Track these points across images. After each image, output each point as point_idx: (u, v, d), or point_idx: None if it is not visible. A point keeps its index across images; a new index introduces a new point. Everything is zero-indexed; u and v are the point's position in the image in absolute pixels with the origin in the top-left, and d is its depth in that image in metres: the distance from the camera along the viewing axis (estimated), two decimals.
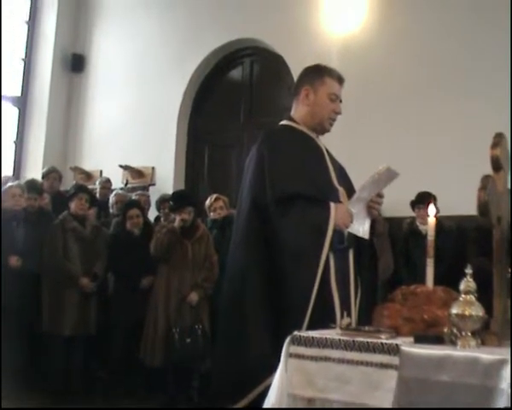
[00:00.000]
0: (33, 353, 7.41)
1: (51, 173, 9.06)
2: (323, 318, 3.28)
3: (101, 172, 10.72)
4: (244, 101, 10.37)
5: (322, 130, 3.92)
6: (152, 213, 9.09)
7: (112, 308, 7.60)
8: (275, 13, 9.53)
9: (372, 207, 3.75)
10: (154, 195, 9.38)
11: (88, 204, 7.77)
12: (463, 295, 2.52)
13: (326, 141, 4.02)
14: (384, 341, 2.51)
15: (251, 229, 3.59)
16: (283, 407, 2.61)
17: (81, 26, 11.79)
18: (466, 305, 2.49)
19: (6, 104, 11.31)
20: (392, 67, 8.62)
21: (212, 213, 8.03)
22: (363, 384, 2.47)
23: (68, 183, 10.08)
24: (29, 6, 11.78)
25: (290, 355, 2.66)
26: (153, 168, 10.53)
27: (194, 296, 7.13)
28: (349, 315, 3.46)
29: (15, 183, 7.90)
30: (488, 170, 2.73)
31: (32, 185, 7.92)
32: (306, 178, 3.60)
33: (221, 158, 10.36)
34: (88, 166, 11.09)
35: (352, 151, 8.04)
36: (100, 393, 7.46)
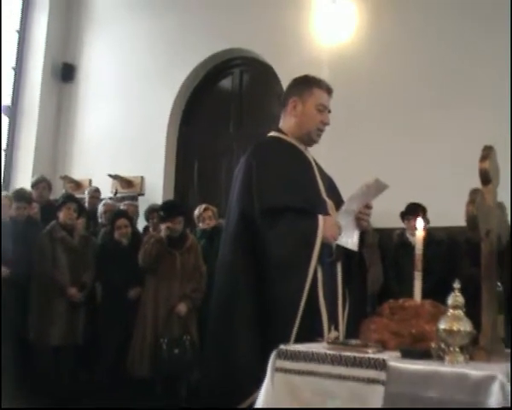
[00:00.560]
0: (22, 362, 7.34)
1: (40, 183, 9.00)
2: (311, 331, 3.26)
3: (90, 181, 10.68)
4: (234, 111, 10.36)
5: (310, 141, 3.90)
6: (141, 223, 9.06)
7: (100, 318, 7.55)
8: (264, 23, 9.53)
9: (361, 219, 3.72)
10: (144, 204, 9.34)
11: (76, 214, 7.74)
12: (451, 310, 2.49)
13: (315, 151, 4.00)
14: (371, 356, 2.49)
15: (239, 241, 3.56)
16: None
17: (71, 36, 11.77)
18: (454, 320, 2.46)
19: None
20: (382, 77, 8.63)
21: (201, 224, 8.02)
22: (349, 399, 2.45)
23: (58, 192, 10.05)
24: (19, 15, 11.75)
25: (276, 369, 2.64)
26: (142, 178, 10.51)
27: (182, 307, 7.10)
28: (336, 328, 3.44)
29: (3, 193, 7.87)
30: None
31: (20, 195, 7.88)
32: (294, 191, 3.58)
33: (211, 168, 10.34)
34: (77, 175, 11.06)
35: (342, 161, 8.04)
36: (88, 403, 7.40)
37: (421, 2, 8.50)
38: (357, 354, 2.50)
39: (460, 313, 2.49)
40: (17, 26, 11.71)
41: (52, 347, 7.24)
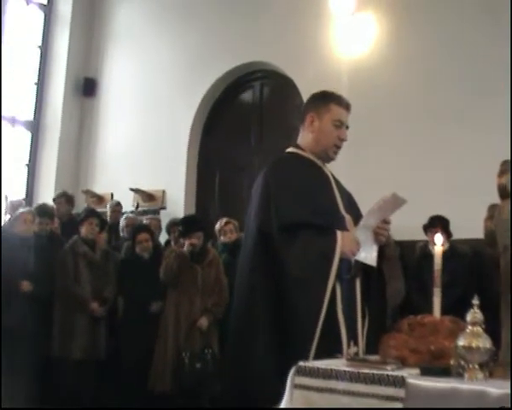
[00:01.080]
0: (44, 378, 7.38)
1: (58, 198, 9.10)
2: (330, 347, 3.24)
3: (112, 195, 10.71)
4: (254, 124, 10.36)
5: (327, 157, 3.90)
6: (163, 237, 9.08)
7: (121, 333, 7.56)
8: (284, 36, 9.54)
9: (379, 234, 3.69)
10: (165, 218, 9.36)
11: (98, 228, 7.78)
12: (470, 327, 2.47)
13: (333, 164, 4.00)
14: (390, 373, 2.46)
15: (257, 257, 3.56)
16: None
17: (93, 51, 11.86)
18: (473, 337, 2.44)
19: (19, 128, 11.38)
20: (401, 89, 8.59)
21: (222, 237, 8.02)
22: None
23: (80, 206, 10.11)
24: (41, 31, 11.86)
25: (295, 386, 2.63)
26: (163, 192, 10.52)
27: (204, 321, 7.10)
28: (356, 344, 3.42)
29: (27, 209, 7.91)
30: None
31: (43, 210, 7.92)
32: (312, 207, 3.57)
33: (232, 181, 10.34)
34: (99, 189, 11.10)
35: (361, 174, 8.02)
36: None
37: (440, 14, 8.45)
38: (375, 372, 2.48)
39: (479, 329, 2.46)
40: (39, 41, 11.82)
41: (74, 361, 7.25)
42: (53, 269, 7.45)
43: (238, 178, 10.19)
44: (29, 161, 11.56)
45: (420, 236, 7.60)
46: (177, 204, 10.31)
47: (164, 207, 10.45)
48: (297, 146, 3.93)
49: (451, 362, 2.50)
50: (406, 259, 7.81)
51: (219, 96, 10.63)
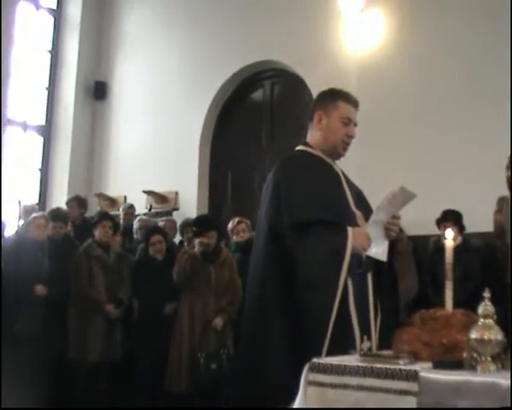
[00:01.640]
0: (59, 381, 7.41)
1: (70, 202, 9.15)
2: (343, 343, 3.26)
3: (125, 197, 10.76)
4: (265, 123, 10.39)
5: (336, 154, 3.90)
6: (177, 238, 9.11)
7: (137, 334, 7.58)
8: (294, 34, 9.55)
9: (389, 229, 3.70)
10: (179, 219, 9.38)
11: (112, 231, 7.81)
12: (482, 320, 2.48)
13: (343, 161, 4.01)
14: (403, 367, 2.47)
15: (269, 255, 3.58)
16: None
17: (103, 54, 11.91)
18: (485, 329, 2.45)
19: (31, 133, 11.43)
20: (410, 86, 8.59)
21: (234, 236, 8.03)
22: None
23: (93, 209, 10.15)
24: (51, 35, 11.92)
25: (309, 383, 2.63)
26: (176, 193, 10.55)
27: (219, 321, 7.10)
28: (369, 339, 3.43)
29: (40, 213, 7.94)
30: None
31: (56, 214, 7.95)
32: (322, 204, 3.59)
33: (244, 181, 10.37)
34: (112, 192, 11.15)
35: (372, 171, 8.04)
36: None
37: (448, 12, 8.44)
38: (388, 366, 2.49)
39: (491, 322, 2.47)
40: (49, 46, 11.87)
41: (90, 363, 7.29)
42: (67, 272, 7.48)
43: (250, 177, 10.22)
44: (41, 165, 11.62)
45: (433, 230, 7.60)
46: (190, 205, 10.34)
47: (177, 209, 10.47)
48: (306, 144, 3.93)
49: (464, 355, 2.50)
50: (420, 253, 7.81)
51: (230, 96, 10.66)
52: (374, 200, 3.92)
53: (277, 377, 3.38)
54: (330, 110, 3.84)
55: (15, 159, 11.10)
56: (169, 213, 10.25)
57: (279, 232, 3.51)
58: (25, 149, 11.35)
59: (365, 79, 8.41)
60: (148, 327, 7.39)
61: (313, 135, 3.91)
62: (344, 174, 3.93)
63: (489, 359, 2.43)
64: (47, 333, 7.11)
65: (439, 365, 2.49)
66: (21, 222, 8.40)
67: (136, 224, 8.99)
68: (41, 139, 11.66)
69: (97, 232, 7.65)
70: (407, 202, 3.62)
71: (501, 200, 2.56)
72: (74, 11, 11.86)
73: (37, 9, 11.71)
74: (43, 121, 11.70)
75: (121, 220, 9.35)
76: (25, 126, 11.35)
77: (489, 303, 2.50)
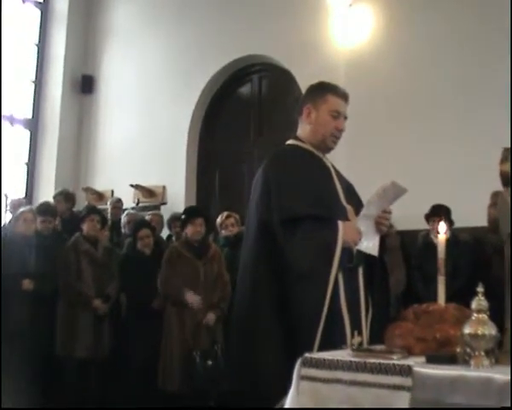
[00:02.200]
0: (47, 377, 7.37)
1: (57, 196, 9.09)
2: (334, 338, 3.25)
3: (112, 191, 10.73)
4: (254, 117, 10.37)
5: (326, 148, 3.88)
6: (164, 233, 9.09)
7: (125, 330, 7.54)
8: (282, 28, 9.52)
9: (380, 224, 3.70)
10: (166, 214, 9.36)
11: (100, 225, 7.77)
12: (475, 314, 2.47)
13: (334, 155, 4.00)
14: (396, 362, 2.46)
15: (259, 250, 3.57)
16: None
17: (90, 48, 11.84)
18: (478, 324, 2.44)
19: (17, 127, 11.37)
20: (399, 79, 8.60)
21: (223, 231, 8.00)
22: (375, 407, 2.43)
23: (81, 203, 10.11)
24: (38, 28, 11.84)
25: (301, 378, 2.61)
26: (164, 187, 10.53)
27: (211, 317, 7.05)
28: (360, 334, 3.42)
29: (27, 208, 7.89)
30: None
31: (45, 209, 7.90)
32: (313, 198, 3.57)
33: (232, 175, 10.35)
34: (100, 186, 11.11)
35: (361, 165, 8.03)
36: None
37: (438, 5, 8.45)
38: (382, 361, 2.48)
39: (484, 316, 2.46)
40: (36, 39, 11.81)
41: (78, 359, 7.25)
42: (55, 267, 7.44)
43: (238, 171, 10.20)
44: (28, 159, 11.56)
45: (421, 225, 7.61)
46: (178, 199, 10.30)
47: (165, 203, 10.45)
48: (296, 138, 3.92)
49: (457, 350, 2.49)
50: (408, 248, 7.82)
51: (218, 90, 10.63)
52: (364, 194, 3.91)
53: (269, 372, 3.37)
54: (319, 103, 3.82)
55: (2, 152, 11.01)
56: (157, 207, 10.23)
57: (269, 228, 3.49)
58: (11, 142, 11.26)
59: (354, 73, 8.40)
60: (136, 322, 7.34)
61: (303, 129, 3.89)
62: (334, 168, 3.92)
63: (482, 354, 2.42)
64: (34, 329, 7.07)
65: (432, 359, 2.49)
66: (8, 216, 8.35)
67: (123, 218, 8.96)
68: (28, 133, 11.59)
69: (85, 227, 7.61)
70: (398, 196, 3.61)
71: (495, 194, 2.55)
72: (61, 4, 11.78)
73: (24, 2, 11.64)
74: (29, 115, 11.64)
75: (109, 215, 9.31)
76: (11, 120, 11.28)
77: (482, 298, 2.49)
